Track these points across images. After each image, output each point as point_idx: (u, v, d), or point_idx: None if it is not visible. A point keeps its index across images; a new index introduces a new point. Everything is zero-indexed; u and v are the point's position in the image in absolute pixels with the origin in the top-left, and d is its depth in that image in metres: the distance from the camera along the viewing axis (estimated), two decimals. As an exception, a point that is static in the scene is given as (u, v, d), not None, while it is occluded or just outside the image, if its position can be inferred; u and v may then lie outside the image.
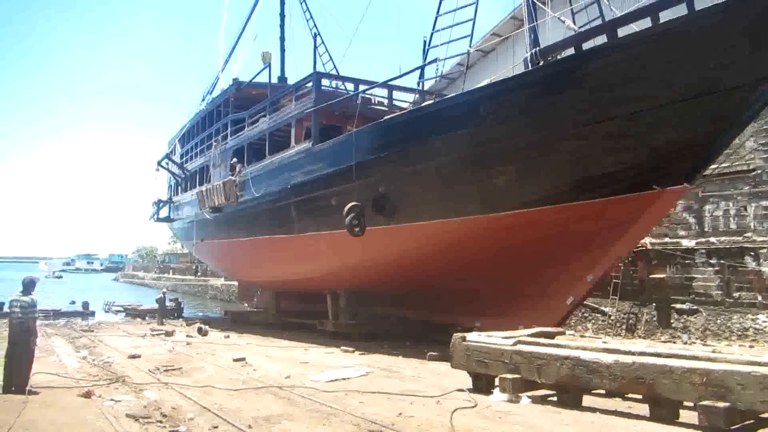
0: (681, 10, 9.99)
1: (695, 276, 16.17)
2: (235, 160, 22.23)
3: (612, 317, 17.56)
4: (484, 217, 12.90)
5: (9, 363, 9.39)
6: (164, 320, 23.75)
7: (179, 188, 31.24)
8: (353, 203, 14.66)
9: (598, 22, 12.93)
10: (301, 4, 28.77)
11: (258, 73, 25.08)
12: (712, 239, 16.00)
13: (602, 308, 17.88)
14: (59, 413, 8.19)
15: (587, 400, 7.92)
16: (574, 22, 14.07)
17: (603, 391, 7.84)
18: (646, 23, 10.35)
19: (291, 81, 25.50)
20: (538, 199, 12.12)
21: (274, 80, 26.07)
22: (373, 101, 17.93)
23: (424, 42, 16.26)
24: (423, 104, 15.06)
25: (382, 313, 18.01)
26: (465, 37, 14.61)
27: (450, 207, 13.60)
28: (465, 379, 9.08)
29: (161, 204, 33.20)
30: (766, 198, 15.36)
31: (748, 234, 15.49)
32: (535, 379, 7.96)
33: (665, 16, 10.24)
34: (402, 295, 16.52)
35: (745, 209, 15.68)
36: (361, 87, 18.20)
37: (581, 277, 12.29)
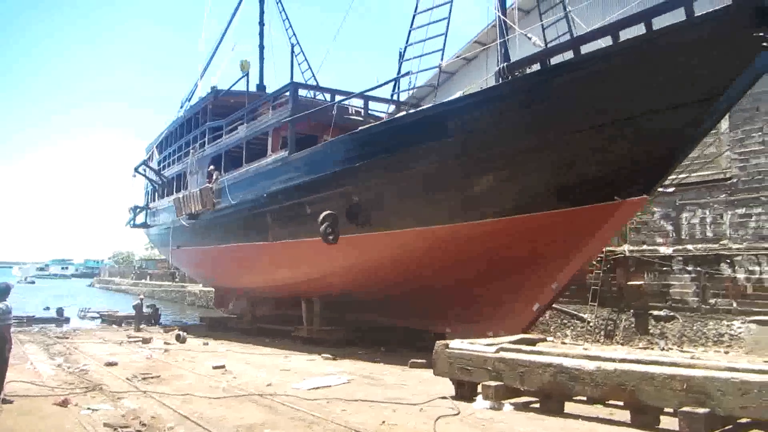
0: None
1: (672, 283, 16.38)
2: (212, 167, 22.36)
3: (591, 324, 17.71)
4: (453, 226, 13.29)
5: None
6: (141, 327, 23.43)
7: (156, 194, 31.21)
8: (328, 212, 14.94)
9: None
10: (280, 13, 29.11)
11: (236, 82, 25.35)
12: (689, 246, 16.23)
13: (581, 315, 18.04)
14: (36, 422, 8.04)
15: (569, 407, 7.96)
16: (544, 37, 14.66)
17: (585, 398, 7.91)
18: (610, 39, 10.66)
19: (270, 88, 25.69)
20: (504, 209, 12.56)
21: (253, 88, 26.56)
22: (350, 111, 18.16)
23: (400, 53, 16.50)
24: (395, 116, 15.41)
25: (356, 319, 18.23)
26: (437, 51, 15.06)
27: (420, 216, 13.95)
28: (448, 387, 9.08)
29: (138, 210, 33.10)
30: (742, 206, 15.63)
31: (724, 241, 15.75)
32: (518, 386, 7.99)
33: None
34: (375, 301, 16.69)
35: (721, 217, 15.95)
36: (338, 97, 18.46)
37: (546, 284, 12.68)
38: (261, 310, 23.33)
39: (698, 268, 15.92)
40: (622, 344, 16.75)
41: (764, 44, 8.88)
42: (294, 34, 28.39)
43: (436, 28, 15.13)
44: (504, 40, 13.67)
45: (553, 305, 16.92)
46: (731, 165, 15.98)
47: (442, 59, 14.99)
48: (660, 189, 15.29)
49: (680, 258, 16.30)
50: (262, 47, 29.00)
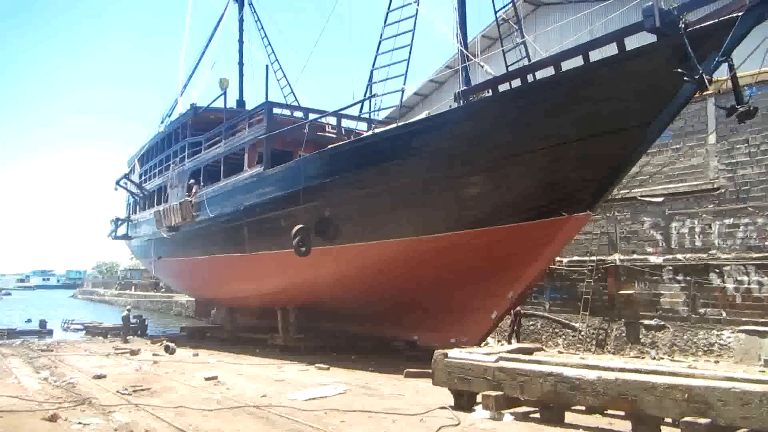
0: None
1: (662, 292, 16.50)
2: (192, 181, 23.15)
3: (582, 333, 17.76)
4: (415, 239, 14.22)
5: None
6: (128, 338, 23.12)
7: (137, 207, 31.97)
8: (300, 226, 15.75)
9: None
10: (259, 31, 30.14)
11: (215, 99, 25.83)
12: (679, 256, 16.36)
13: (573, 324, 18.09)
14: (24, 438, 7.83)
15: (569, 417, 7.93)
16: (506, 62, 16.10)
17: (583, 408, 7.89)
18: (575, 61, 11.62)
19: (250, 104, 27.02)
20: (462, 223, 13.50)
21: (233, 104, 27.81)
22: (326, 128, 18.96)
23: (371, 73, 17.28)
24: (359, 137, 16.43)
25: (330, 328, 19.00)
26: (400, 75, 16.33)
27: (385, 230, 14.87)
28: (446, 397, 9.01)
29: (119, 222, 33.71)
30: (730, 216, 15.78)
31: (713, 251, 15.88)
32: (518, 396, 7.94)
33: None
34: (347, 311, 17.50)
35: (710, 227, 16.08)
36: (312, 116, 19.62)
37: (503, 294, 13.55)
38: (240, 319, 24.18)
39: (688, 278, 16.07)
40: (613, 353, 16.81)
41: (685, 78, 9.74)
42: (273, 51, 29.89)
43: (400, 54, 16.41)
44: (465, 65, 15.07)
45: (546, 315, 18.25)
46: (719, 175, 16.15)
47: (404, 83, 16.28)
48: (649, 198, 16.05)
49: (670, 267, 16.43)
50: (241, 64, 30.11)
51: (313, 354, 17.01)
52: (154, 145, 30.42)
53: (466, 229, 13.41)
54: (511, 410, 8.17)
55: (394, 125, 15.67)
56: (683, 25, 9.81)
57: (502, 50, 16.41)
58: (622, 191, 17.64)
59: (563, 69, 11.83)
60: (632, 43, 10.89)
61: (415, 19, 16.02)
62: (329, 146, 16.50)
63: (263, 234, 18.76)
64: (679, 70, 9.68)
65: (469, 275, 13.63)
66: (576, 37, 13.16)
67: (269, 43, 29.91)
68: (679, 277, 16.22)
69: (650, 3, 10.13)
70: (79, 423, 8.63)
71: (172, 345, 18.87)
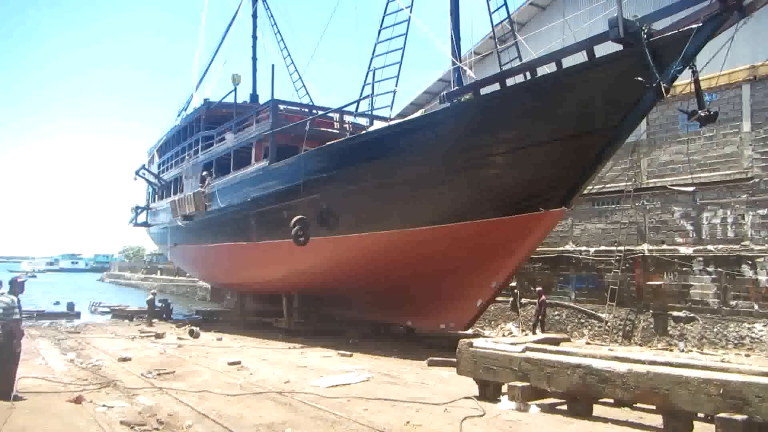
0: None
1: (692, 283, 16.13)
2: (205, 173, 24.36)
3: (609, 324, 17.47)
4: (406, 230, 15.14)
5: None
6: (153, 321, 23.34)
7: (156, 196, 33.62)
8: (299, 216, 16.78)
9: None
10: (272, 26, 31.28)
11: (228, 94, 27.49)
12: (710, 247, 15.96)
13: (599, 314, 17.79)
14: (49, 420, 7.83)
15: (597, 410, 7.75)
16: (500, 62, 16.94)
17: (611, 401, 7.69)
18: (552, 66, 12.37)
19: (262, 97, 28.58)
20: (448, 217, 14.33)
21: (247, 97, 29.68)
22: (334, 124, 20.00)
23: (366, 74, 17.84)
24: (353, 135, 17.32)
25: (331, 313, 19.94)
26: (393, 77, 17.07)
27: (378, 221, 15.80)
28: (470, 386, 8.88)
29: (139, 210, 35.19)
30: (764, 206, 15.34)
31: (746, 242, 15.47)
32: (545, 388, 7.77)
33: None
34: (345, 297, 18.55)
35: (743, 217, 15.65)
36: (316, 112, 21.04)
37: (487, 283, 14.40)
38: (250, 304, 25.64)
39: (719, 269, 15.67)
40: (640, 345, 16.51)
41: (647, 85, 10.53)
42: (285, 47, 30.72)
43: (395, 56, 17.11)
44: (457, 66, 16.31)
45: (572, 305, 18.33)
46: (753, 164, 15.69)
47: (396, 85, 17.07)
48: (680, 188, 15.76)
49: (700, 258, 16.04)
50: (255, 59, 31.15)
51: (315, 337, 17.92)
52: (171, 137, 31.91)
53: (450, 223, 14.28)
54: (538, 402, 8.01)
55: (384, 125, 16.50)
56: (645, 36, 10.55)
57: (497, 51, 17.39)
58: (651, 180, 17.30)
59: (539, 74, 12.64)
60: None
61: (408, 24, 16.89)
62: (327, 143, 17.41)
63: (268, 224, 19.75)
64: (639, 78, 10.50)
65: (454, 265, 14.47)
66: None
67: (282, 39, 30.93)
68: (710, 269, 15.83)
69: (615, 14, 10.79)
70: (104, 405, 8.69)
71: (196, 329, 19.00)
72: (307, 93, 29.89)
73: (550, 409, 7.99)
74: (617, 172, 18.24)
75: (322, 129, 19.68)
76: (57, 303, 34.94)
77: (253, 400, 9.12)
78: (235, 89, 26.28)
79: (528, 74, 13.04)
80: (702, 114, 10.97)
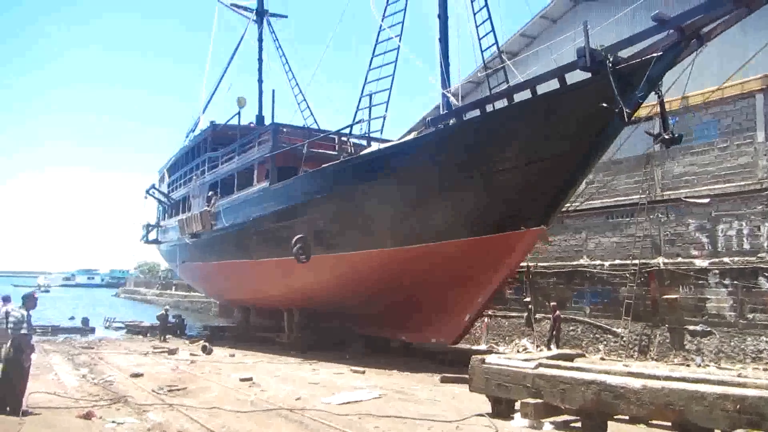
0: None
1: (708, 297, 15.88)
2: (211, 193, 25.65)
3: (624, 338, 17.23)
4: (397, 249, 15.89)
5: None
6: (166, 337, 23.38)
7: (166, 214, 34.79)
8: (299, 236, 17.85)
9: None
10: (277, 49, 32.86)
11: (233, 117, 28.64)
12: (726, 259, 15.71)
13: (614, 329, 17.56)
14: (58, 436, 7.83)
15: (611, 427, 7.60)
16: (489, 86, 18.20)
17: (626, 417, 7.55)
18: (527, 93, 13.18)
19: (268, 117, 29.12)
20: (437, 235, 15.03)
21: (252, 118, 31.02)
22: (336, 144, 20.32)
23: (359, 100, 18.93)
24: (344, 159, 17.97)
25: (330, 327, 20.65)
26: (382, 103, 18.24)
27: (371, 240, 16.52)
28: (483, 404, 8.76)
29: (150, 228, 36.31)
30: (781, 218, 15.11)
31: (762, 254, 15.20)
32: (558, 404, 7.64)
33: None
34: (342, 312, 19.23)
35: (759, 229, 15.41)
36: (315, 135, 22.38)
37: (474, 298, 14.98)
38: (255, 319, 26.55)
39: (735, 282, 15.41)
40: (656, 360, 16.26)
41: (615, 111, 11.13)
42: (290, 69, 32.32)
43: (385, 83, 18.37)
44: (446, 90, 17.37)
45: (586, 320, 18.26)
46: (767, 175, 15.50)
47: (386, 110, 18.27)
48: (694, 200, 15.60)
49: (716, 271, 15.79)
50: (260, 81, 32.32)
51: (317, 352, 18.42)
52: (179, 157, 33.27)
53: (438, 241, 15.01)
54: (551, 419, 7.87)
55: (375, 149, 17.59)
56: (610, 64, 11.21)
57: (486, 75, 18.65)
58: (666, 192, 17.13)
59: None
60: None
61: (397, 52, 18.01)
62: (322, 165, 18.25)
63: (268, 242, 20.65)
64: (603, 104, 11.18)
65: (443, 282, 15.08)
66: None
67: (287, 61, 32.48)
68: (726, 281, 15.58)
69: (582, 45, 11.52)
70: (113, 422, 8.66)
71: (209, 345, 19.01)
72: (311, 114, 31.51)
73: (564, 426, 7.86)
74: (630, 184, 18.10)
75: (321, 150, 20.50)
76: (72, 318, 35.23)
77: (264, 416, 9.07)
78: (239, 112, 27.62)
79: (505, 100, 13.88)
80: (666, 137, 11.64)
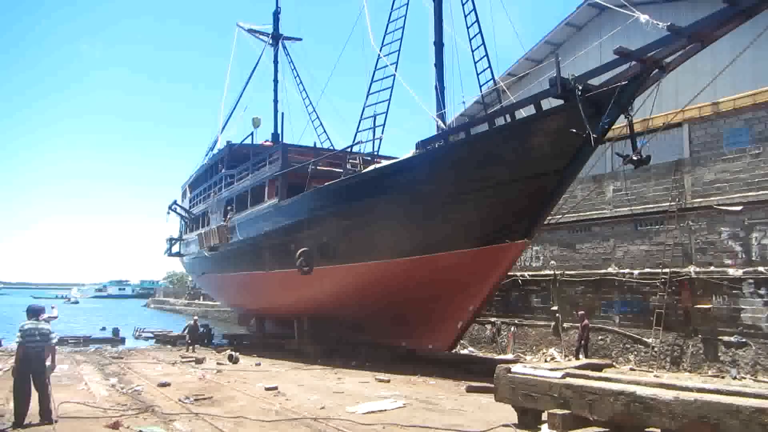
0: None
1: (743, 307, 15.46)
2: (228, 208, 27.43)
3: (655, 349, 16.85)
4: (394, 261, 16.99)
5: (18, 395, 8.87)
6: (194, 347, 23.50)
7: (187, 228, 37.06)
8: (303, 249, 19.35)
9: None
10: (292, 71, 34.59)
11: (246, 137, 31.40)
12: (761, 269, 15.29)
13: (644, 339, 17.20)
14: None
15: (643, 440, 7.39)
16: (484, 106, 20.35)
17: (657, 430, 7.33)
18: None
19: (285, 135, 32.99)
20: (430, 248, 16.04)
21: (268, 136, 33.42)
22: (346, 161, 21.29)
23: (359, 123, 20.45)
24: (346, 177, 19.17)
25: (337, 335, 21.35)
26: (379, 126, 19.84)
27: (370, 253, 17.67)
28: (510, 414, 8.60)
29: (173, 241, 38.33)
30: (818, 225, 14.69)
31: (799, 263, 14.79)
32: (587, 416, 7.44)
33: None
34: (347, 320, 20.18)
35: (795, 237, 15.00)
36: (322, 153, 24.58)
37: (466, 307, 15.91)
38: (270, 327, 28.21)
39: (771, 292, 15.00)
40: (689, 371, 15.85)
41: (584, 136, 12.13)
42: (304, 89, 33.94)
43: (382, 107, 19.92)
44: (442, 112, 18.96)
45: (616, 330, 18.09)
46: (805, 182, 15.08)
47: (382, 132, 19.92)
48: (726, 207, 15.31)
49: (751, 281, 15.38)
50: (276, 101, 34.32)
51: (323, 358, 19.14)
52: (199, 175, 35.51)
53: (431, 254, 15.98)
54: (579, 431, 7.68)
55: (371, 168, 18.59)
56: (579, 93, 12.22)
57: (482, 96, 20.08)
58: (696, 200, 16.78)
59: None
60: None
61: (393, 79, 19.47)
62: (325, 184, 19.66)
63: (278, 255, 21.98)
64: (572, 129, 12.24)
65: (437, 291, 15.96)
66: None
67: (301, 81, 34.19)
68: (762, 291, 15.16)
69: (554, 75, 12.64)
70: (140, 431, 8.70)
71: (235, 354, 19.09)
72: (324, 130, 32.88)
73: (593, 438, 7.66)
74: (660, 192, 17.77)
75: (327, 168, 21.93)
76: (103, 329, 35.76)
77: (288, 426, 9.04)
78: (253, 132, 29.94)
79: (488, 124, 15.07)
80: (634, 158, 12.46)
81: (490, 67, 19.19)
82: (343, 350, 19.71)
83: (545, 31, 22.86)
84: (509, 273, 21.17)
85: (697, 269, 16.45)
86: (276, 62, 34.62)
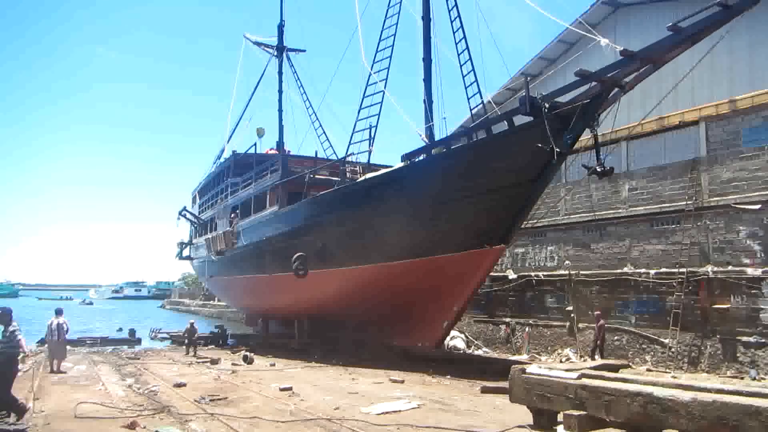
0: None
1: (762, 307, 15.26)
2: (233, 215, 29.15)
3: (672, 349, 16.67)
4: (384, 264, 18.07)
5: None
6: (194, 350, 22.71)
7: (197, 233, 38.94)
8: (299, 254, 20.54)
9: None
10: (296, 81, 35.88)
11: (251, 147, 32.74)
12: (780, 268, 15.08)
13: (661, 339, 17.03)
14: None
15: (660, 441, 7.30)
16: (472, 117, 21.32)
17: None
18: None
19: (288, 144, 34.43)
20: (417, 253, 17.16)
21: (273, 145, 35.01)
22: (347, 170, 22.34)
23: (351, 136, 21.80)
24: (338, 187, 20.60)
25: (335, 334, 22.14)
26: (367, 139, 21.26)
27: (362, 257, 18.81)
28: (525, 415, 8.55)
29: (184, 245, 40.48)
30: (839, 224, 14.46)
31: (820, 262, 14.57)
32: (603, 417, 7.37)
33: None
34: (343, 320, 21.20)
35: (815, 236, 14.77)
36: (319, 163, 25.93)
37: (450, 307, 16.93)
38: (274, 327, 29.21)
39: (791, 291, 14.79)
40: (707, 372, 15.67)
41: (557, 150, 13.21)
42: (308, 98, 35.16)
43: (372, 121, 21.26)
44: (430, 124, 20.19)
45: (632, 330, 18.06)
46: (825, 179, 14.85)
47: (371, 145, 21.36)
48: (745, 206, 15.14)
49: (770, 280, 15.17)
50: (280, 111, 35.54)
51: (322, 356, 19.54)
52: (207, 182, 37.63)
53: (418, 258, 17.11)
54: None
55: (360, 179, 19.98)
56: (546, 111, 13.26)
57: (470, 111, 21.18)
58: (713, 198, 16.59)
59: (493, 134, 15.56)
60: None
61: (383, 95, 20.78)
62: (321, 192, 21.18)
63: (279, 259, 23.01)
64: (539, 144, 13.28)
65: (424, 292, 16.96)
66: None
67: (304, 92, 35.51)
68: (781, 291, 14.95)
69: (523, 94, 13.85)
70: (156, 431, 8.75)
71: (250, 355, 19.13)
72: (327, 138, 33.97)
73: (610, 439, 7.58)
74: (676, 190, 17.59)
75: (325, 177, 23.53)
76: (120, 330, 36.01)
77: (303, 426, 9.06)
78: (256, 141, 31.43)
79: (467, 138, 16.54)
80: (598, 169, 13.57)
81: (476, 81, 20.57)
82: (342, 349, 20.08)
83: (560, 29, 22.66)
84: (523, 273, 21.54)
85: (715, 269, 16.25)
86: (280, 73, 35.96)
